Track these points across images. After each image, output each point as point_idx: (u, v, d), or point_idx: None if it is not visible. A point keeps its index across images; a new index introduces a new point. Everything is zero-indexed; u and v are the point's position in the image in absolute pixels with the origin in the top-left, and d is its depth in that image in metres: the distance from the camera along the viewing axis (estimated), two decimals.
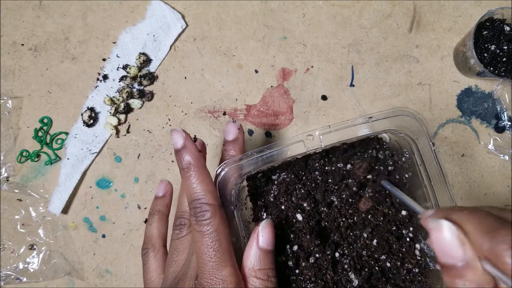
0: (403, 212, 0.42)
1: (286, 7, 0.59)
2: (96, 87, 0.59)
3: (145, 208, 0.58)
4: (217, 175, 0.37)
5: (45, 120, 0.59)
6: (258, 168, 0.38)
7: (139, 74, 0.58)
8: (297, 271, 0.38)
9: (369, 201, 0.41)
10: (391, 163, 0.43)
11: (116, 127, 0.58)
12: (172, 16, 0.58)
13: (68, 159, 0.58)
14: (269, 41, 0.59)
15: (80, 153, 0.58)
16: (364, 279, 0.38)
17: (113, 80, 0.59)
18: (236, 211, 0.37)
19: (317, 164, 0.43)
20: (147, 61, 0.58)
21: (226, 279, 0.31)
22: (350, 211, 0.41)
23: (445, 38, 0.59)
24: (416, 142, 0.39)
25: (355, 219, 0.41)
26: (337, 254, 0.39)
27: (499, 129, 0.58)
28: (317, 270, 0.38)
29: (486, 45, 0.53)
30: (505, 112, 0.58)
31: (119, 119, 0.58)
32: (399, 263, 0.40)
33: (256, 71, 0.59)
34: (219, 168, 0.37)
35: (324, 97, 0.59)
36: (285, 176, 0.42)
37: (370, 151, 0.43)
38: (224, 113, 0.59)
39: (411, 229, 0.42)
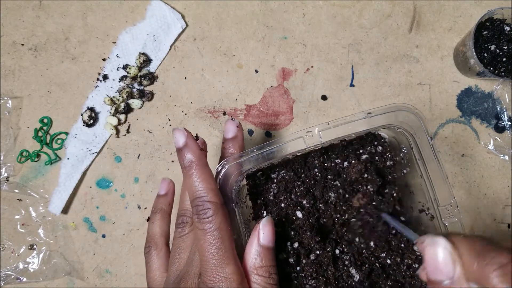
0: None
1: (286, 7, 0.60)
2: (96, 87, 0.59)
3: (145, 208, 0.58)
4: (217, 173, 0.37)
5: (45, 120, 0.59)
6: (258, 165, 0.38)
7: (139, 74, 0.58)
8: (298, 267, 0.38)
9: (363, 198, 0.41)
10: (389, 157, 0.43)
11: (116, 127, 0.58)
12: (172, 16, 0.58)
13: (68, 159, 0.58)
14: (269, 41, 0.59)
15: (80, 153, 0.58)
16: (365, 274, 0.38)
17: (113, 80, 0.59)
18: (237, 209, 0.37)
19: (316, 162, 0.43)
20: (147, 61, 0.58)
21: (229, 276, 0.31)
22: (344, 207, 0.41)
23: (445, 38, 0.59)
24: (414, 137, 0.39)
25: (346, 216, 0.41)
26: (337, 251, 0.39)
27: (499, 129, 0.58)
28: (318, 266, 0.38)
29: (486, 45, 0.53)
30: (505, 112, 0.58)
31: (119, 119, 0.58)
32: (399, 259, 0.40)
33: (256, 71, 0.59)
34: (220, 165, 0.37)
35: (324, 97, 0.59)
36: (284, 174, 0.42)
37: (369, 147, 0.44)
38: (224, 113, 0.59)
39: None
